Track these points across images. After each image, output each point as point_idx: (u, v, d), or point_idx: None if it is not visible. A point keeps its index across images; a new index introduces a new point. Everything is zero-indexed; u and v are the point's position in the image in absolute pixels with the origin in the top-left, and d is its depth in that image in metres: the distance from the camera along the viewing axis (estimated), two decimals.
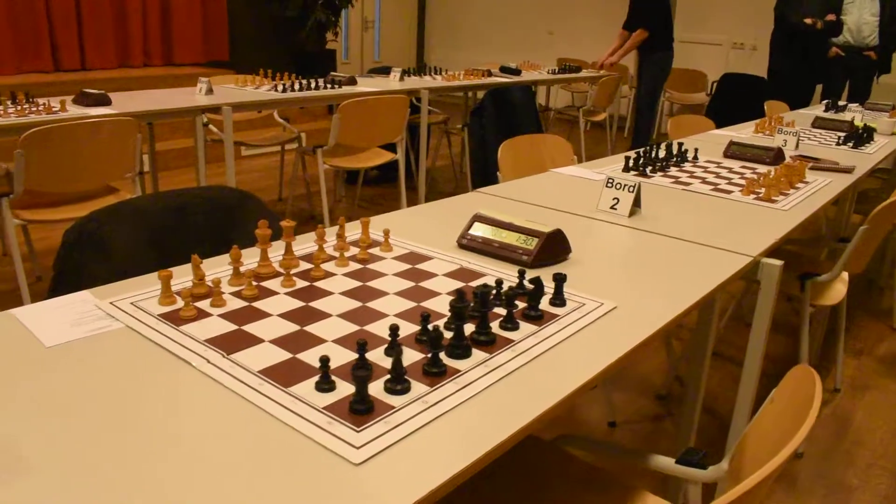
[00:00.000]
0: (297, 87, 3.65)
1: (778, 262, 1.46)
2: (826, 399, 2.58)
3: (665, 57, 5.49)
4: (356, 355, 0.85)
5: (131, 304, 1.06)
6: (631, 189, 1.64)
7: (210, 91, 3.40)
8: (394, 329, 0.92)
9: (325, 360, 0.84)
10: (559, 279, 1.11)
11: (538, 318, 1.06)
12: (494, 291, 1.07)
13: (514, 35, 8.66)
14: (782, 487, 2.01)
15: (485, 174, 4.27)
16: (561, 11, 8.22)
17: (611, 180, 1.68)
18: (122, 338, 0.95)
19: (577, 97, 7.34)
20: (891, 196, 2.18)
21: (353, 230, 1.41)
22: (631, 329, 1.06)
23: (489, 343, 0.98)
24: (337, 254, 1.26)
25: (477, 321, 0.98)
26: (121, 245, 1.52)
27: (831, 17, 5.14)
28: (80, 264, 1.48)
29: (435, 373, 0.89)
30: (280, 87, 3.64)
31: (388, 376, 0.85)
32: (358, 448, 0.73)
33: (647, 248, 1.46)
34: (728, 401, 2.46)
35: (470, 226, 1.38)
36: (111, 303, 1.06)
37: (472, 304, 1.01)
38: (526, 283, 1.11)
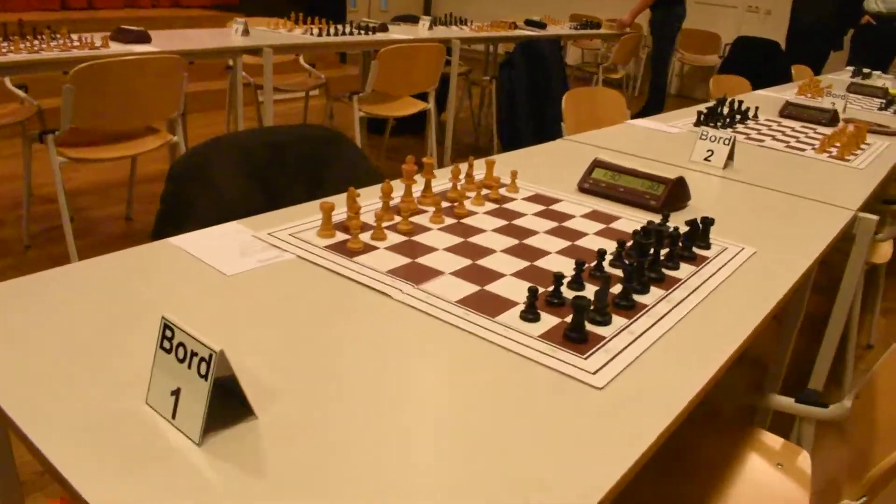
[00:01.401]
0: (332, 31, 3.60)
1: (874, 217, 1.49)
2: (859, 355, 2.65)
3: (673, 13, 5.46)
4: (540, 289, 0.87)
5: (290, 234, 1.06)
6: (726, 142, 1.66)
7: (246, 32, 3.34)
8: (580, 264, 0.94)
9: (534, 291, 0.85)
10: (708, 222, 1.13)
11: (692, 258, 1.09)
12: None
13: None
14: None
15: (514, 128, 4.26)
16: None
17: (705, 133, 1.69)
18: (301, 268, 0.96)
19: (587, 54, 7.31)
20: None
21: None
22: (782, 271, 1.09)
23: (660, 280, 1.00)
24: (472, 193, 1.26)
25: (649, 260, 1.00)
26: (226, 180, 1.51)
27: None
28: (187, 198, 1.47)
29: (625, 305, 0.91)
30: (314, 32, 3.58)
31: (592, 307, 0.86)
32: (593, 374, 0.76)
33: (753, 198, 1.48)
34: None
35: (591, 171, 1.39)
36: (269, 234, 1.06)
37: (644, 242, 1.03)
38: (682, 225, 1.12)
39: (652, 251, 1.00)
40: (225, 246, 1.02)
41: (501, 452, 0.63)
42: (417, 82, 3.64)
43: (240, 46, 3.10)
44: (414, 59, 3.48)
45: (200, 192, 1.47)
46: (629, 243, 1.06)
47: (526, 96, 4.22)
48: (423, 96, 3.75)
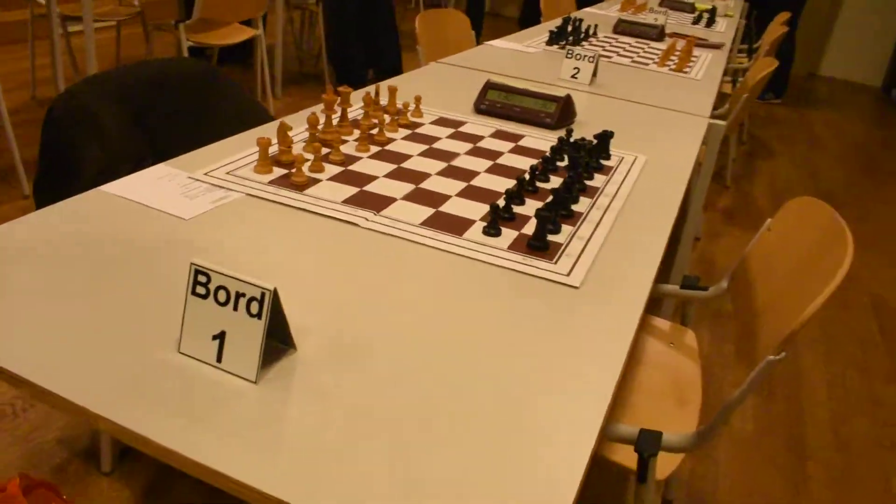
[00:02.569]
0: None
1: (723, 123, 1.69)
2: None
3: None
4: (484, 206, 0.95)
5: (227, 173, 1.05)
6: (591, 59, 1.79)
7: None
8: (521, 180, 1.02)
9: (495, 208, 0.92)
10: (608, 135, 1.25)
11: (600, 168, 1.20)
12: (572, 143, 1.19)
13: None
14: None
15: (346, 54, 4.20)
16: None
17: (570, 51, 1.81)
18: (256, 206, 0.96)
19: None
20: (755, 65, 2.53)
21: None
22: (675, 172, 1.23)
23: (584, 190, 1.10)
24: (377, 120, 1.29)
25: (574, 169, 1.10)
26: (110, 121, 1.42)
27: None
28: (72, 144, 1.38)
29: (565, 215, 1.01)
30: None
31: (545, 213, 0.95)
32: (567, 275, 0.85)
33: (623, 111, 1.62)
34: None
35: (485, 92, 1.46)
36: (206, 174, 1.04)
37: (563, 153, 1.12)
38: (590, 138, 1.23)
39: (578, 164, 1.10)
40: (165, 190, 0.99)
41: (498, 360, 0.71)
42: (246, 7, 3.49)
43: None
44: None
45: (87, 138, 1.38)
46: (544, 158, 1.16)
47: (355, 20, 4.16)
48: (247, 22, 3.61)
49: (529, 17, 7.10)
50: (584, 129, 1.43)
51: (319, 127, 1.18)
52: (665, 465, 1.05)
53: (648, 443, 0.92)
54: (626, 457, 1.03)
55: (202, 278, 0.64)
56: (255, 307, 0.62)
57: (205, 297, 0.64)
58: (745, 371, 0.99)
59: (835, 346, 2.35)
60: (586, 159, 1.11)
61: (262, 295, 0.61)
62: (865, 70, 6.83)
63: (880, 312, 2.64)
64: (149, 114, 1.49)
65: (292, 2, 4.70)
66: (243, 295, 0.62)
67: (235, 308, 0.63)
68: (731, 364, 1.99)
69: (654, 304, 1.66)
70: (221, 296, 0.63)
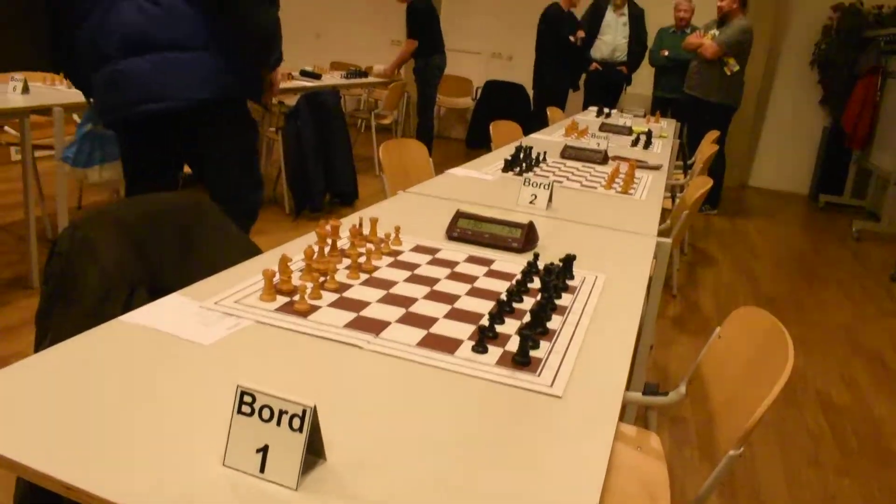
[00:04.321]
0: None
1: (668, 240, 1.88)
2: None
3: (433, 62, 5.94)
4: (469, 326, 1.09)
5: (235, 302, 1.16)
6: (546, 187, 1.98)
7: (26, 90, 3.17)
8: (501, 303, 1.15)
9: (483, 329, 1.05)
10: (571, 258, 1.40)
11: (566, 288, 1.35)
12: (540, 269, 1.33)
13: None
14: None
15: (304, 179, 4.39)
16: (326, 14, 8.42)
17: (527, 180, 2.00)
18: (266, 332, 1.07)
19: (350, 101, 7.62)
20: (693, 184, 2.77)
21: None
22: (632, 289, 1.38)
23: (555, 309, 1.24)
24: (363, 249, 1.43)
25: (546, 291, 1.24)
26: (110, 253, 1.53)
27: (581, 33, 5.99)
28: (74, 274, 1.48)
29: (541, 332, 1.14)
30: None
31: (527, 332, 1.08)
32: (550, 386, 0.97)
33: (578, 233, 1.79)
34: None
35: (456, 221, 1.61)
36: (216, 303, 1.15)
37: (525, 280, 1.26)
38: (554, 261, 1.38)
39: (552, 286, 1.24)
40: (182, 319, 1.09)
41: (498, 465, 0.82)
42: None
43: (26, 107, 2.95)
44: None
45: (87, 268, 1.47)
46: (517, 280, 1.30)
47: (313, 147, 4.38)
48: None
49: (475, 138, 7.50)
50: (547, 252, 1.59)
51: (314, 257, 1.31)
52: None
53: None
54: None
55: (248, 398, 0.74)
56: (296, 422, 0.72)
57: (250, 414, 0.74)
58: (707, 470, 1.11)
59: (789, 443, 2.48)
60: (555, 282, 1.26)
61: (304, 412, 0.72)
62: (792, 179, 7.33)
63: (826, 408, 2.80)
64: (144, 244, 1.60)
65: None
66: (286, 412, 0.73)
67: (279, 424, 0.73)
68: (693, 466, 2.10)
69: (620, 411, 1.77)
70: (265, 413, 0.73)
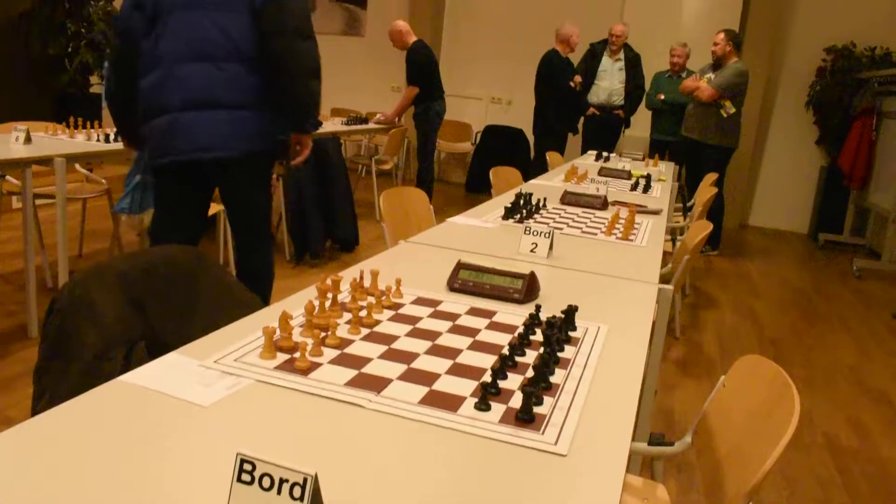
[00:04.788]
0: (113, 137, 3.54)
1: (670, 287, 1.87)
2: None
3: (433, 108, 6.00)
4: (471, 382, 1.08)
5: (235, 360, 1.15)
6: (546, 235, 1.98)
7: (29, 140, 3.20)
8: (503, 358, 1.14)
9: (486, 385, 1.04)
10: (573, 309, 1.40)
11: (568, 340, 1.34)
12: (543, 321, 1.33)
13: None
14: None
15: (304, 225, 4.40)
16: (328, 61, 8.53)
17: (528, 228, 2.00)
18: (267, 391, 1.06)
19: (351, 146, 7.69)
20: (693, 228, 2.78)
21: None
22: (637, 339, 1.38)
23: (557, 362, 1.23)
24: (364, 302, 1.42)
25: (548, 345, 1.23)
26: (108, 308, 1.52)
27: (578, 78, 6.08)
28: (71, 331, 1.47)
29: (545, 387, 1.13)
30: (97, 137, 3.52)
31: (530, 389, 1.07)
32: (555, 444, 0.96)
33: (580, 281, 1.79)
34: None
35: (457, 272, 1.61)
36: (215, 361, 1.14)
37: (534, 331, 1.25)
38: (556, 312, 1.38)
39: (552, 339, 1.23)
40: (181, 378, 1.08)
41: None
42: None
43: (29, 157, 2.97)
44: None
45: (86, 325, 1.47)
46: (519, 331, 1.29)
47: (314, 193, 4.41)
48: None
49: (476, 182, 7.54)
50: (549, 301, 1.58)
51: (315, 312, 1.30)
52: None
53: None
54: None
55: (248, 466, 0.73)
56: (297, 491, 0.71)
57: (250, 483, 0.73)
58: None
59: (798, 489, 2.44)
60: (558, 335, 1.25)
61: (305, 480, 0.71)
62: (792, 218, 7.35)
63: (835, 451, 2.77)
64: (144, 298, 1.59)
65: None
66: (286, 480, 0.71)
67: (279, 492, 0.72)
68: None
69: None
70: (266, 482, 0.72)
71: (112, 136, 3.51)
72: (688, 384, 3.23)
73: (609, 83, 6.25)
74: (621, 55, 6.26)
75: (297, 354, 1.16)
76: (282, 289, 3.15)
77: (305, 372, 1.12)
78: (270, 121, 2.53)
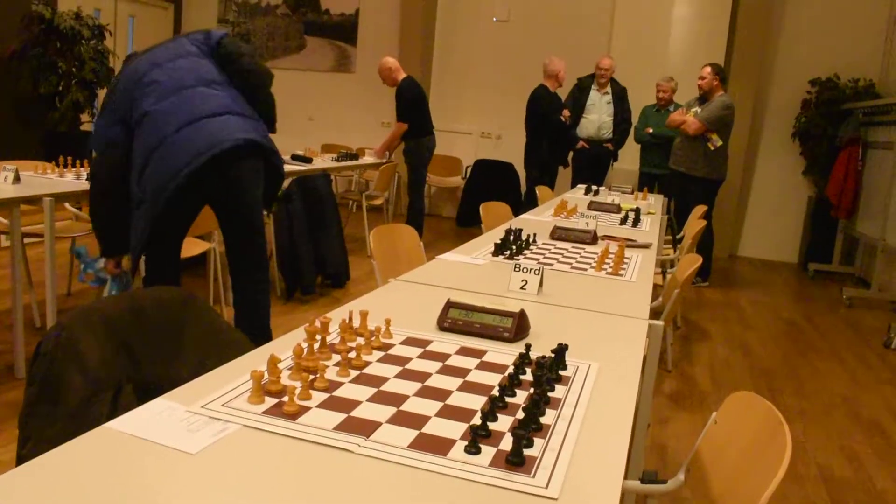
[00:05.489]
0: None
1: (661, 323, 1.87)
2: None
3: (423, 143, 6.03)
4: (461, 424, 1.07)
5: (223, 405, 1.14)
6: (536, 272, 1.98)
7: (17, 179, 3.20)
8: (494, 400, 1.13)
9: (476, 428, 1.03)
10: (563, 348, 1.39)
11: (559, 380, 1.33)
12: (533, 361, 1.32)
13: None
14: None
15: (294, 262, 4.39)
16: (318, 98, 8.61)
17: (517, 265, 2.00)
18: (254, 437, 1.05)
19: (342, 182, 7.71)
20: (683, 261, 2.79)
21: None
22: (628, 377, 1.37)
23: (548, 402, 1.22)
24: (353, 343, 1.42)
25: (539, 386, 1.22)
26: (94, 352, 1.51)
27: (567, 112, 6.14)
28: (58, 376, 1.46)
29: (535, 428, 1.12)
30: (86, 176, 3.52)
31: (521, 432, 1.06)
32: (546, 488, 0.95)
33: (569, 318, 1.79)
34: None
35: (447, 311, 1.61)
36: (203, 407, 1.13)
37: (523, 372, 1.25)
38: (546, 352, 1.37)
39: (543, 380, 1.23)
40: (167, 425, 1.07)
41: None
42: (201, 223, 3.69)
43: (17, 197, 2.97)
44: None
45: (72, 370, 1.46)
46: (509, 372, 1.29)
47: (304, 229, 4.41)
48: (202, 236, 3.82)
49: (466, 216, 7.57)
50: (539, 339, 1.58)
51: (303, 355, 1.30)
52: None
53: None
54: None
55: None
56: None
57: None
58: None
59: None
60: (548, 375, 1.24)
61: None
62: (780, 248, 7.39)
63: (829, 482, 2.75)
64: (131, 341, 1.58)
65: None
66: None
67: None
68: None
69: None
70: None
71: None
72: (681, 417, 3.22)
73: (598, 116, 6.32)
74: (609, 89, 6.33)
75: (285, 398, 1.15)
76: (273, 325, 3.14)
77: (294, 416, 1.11)
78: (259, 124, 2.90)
